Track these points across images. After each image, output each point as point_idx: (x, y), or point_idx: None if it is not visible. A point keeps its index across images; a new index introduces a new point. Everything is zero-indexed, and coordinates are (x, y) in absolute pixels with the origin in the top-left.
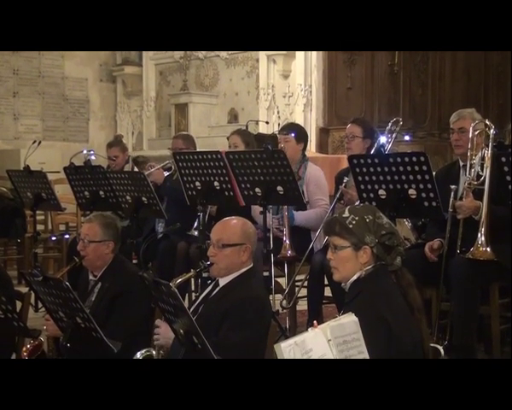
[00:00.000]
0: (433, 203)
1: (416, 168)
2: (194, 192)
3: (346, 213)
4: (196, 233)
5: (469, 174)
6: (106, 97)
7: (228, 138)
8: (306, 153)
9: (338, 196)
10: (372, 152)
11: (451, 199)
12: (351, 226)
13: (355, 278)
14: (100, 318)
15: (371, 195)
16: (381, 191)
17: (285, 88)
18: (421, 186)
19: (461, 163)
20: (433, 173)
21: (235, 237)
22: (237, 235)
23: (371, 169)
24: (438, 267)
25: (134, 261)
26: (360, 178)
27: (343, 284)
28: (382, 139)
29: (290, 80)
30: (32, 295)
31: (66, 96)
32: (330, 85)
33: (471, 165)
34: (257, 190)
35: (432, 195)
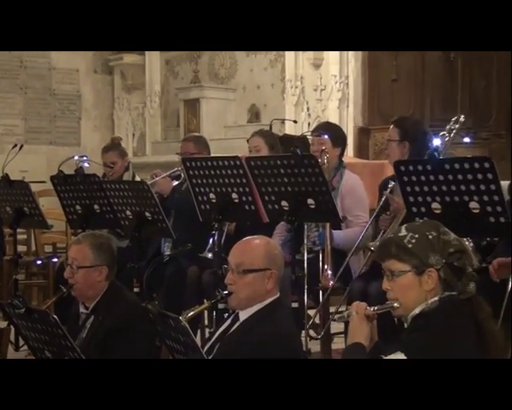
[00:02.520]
0: (501, 219)
1: (479, 176)
2: (207, 206)
3: (403, 232)
4: (210, 256)
5: None
6: (101, 92)
7: (248, 141)
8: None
9: (381, 204)
10: (423, 157)
11: None
12: (410, 246)
13: (417, 311)
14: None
15: (422, 209)
16: (434, 205)
17: (316, 80)
18: (486, 198)
19: None
20: (501, 183)
21: (258, 261)
22: (261, 258)
23: (422, 178)
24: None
25: (136, 290)
26: (409, 188)
27: (402, 318)
28: (436, 141)
29: (322, 70)
30: (12, 330)
31: (53, 91)
32: (371, 76)
33: None
34: (283, 203)
35: (499, 208)
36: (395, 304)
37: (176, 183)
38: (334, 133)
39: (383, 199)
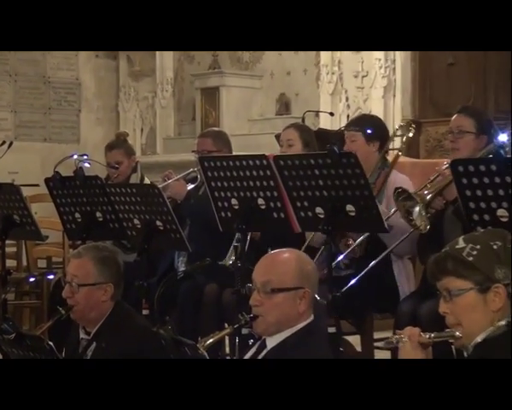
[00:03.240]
0: None
1: None
2: (229, 213)
3: (461, 243)
4: (231, 263)
5: None
6: (104, 80)
7: (277, 137)
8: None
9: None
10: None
11: None
12: (471, 259)
13: (480, 339)
14: None
15: (486, 217)
16: (500, 211)
17: (357, 65)
18: None
19: None
20: None
21: (288, 279)
22: (292, 275)
23: (486, 180)
24: None
25: (145, 312)
26: (469, 192)
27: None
28: (502, 137)
29: (364, 53)
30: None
31: (47, 79)
32: (423, 60)
33: None
34: (318, 210)
35: None
36: (457, 333)
37: (191, 186)
38: (370, 126)
39: (436, 175)
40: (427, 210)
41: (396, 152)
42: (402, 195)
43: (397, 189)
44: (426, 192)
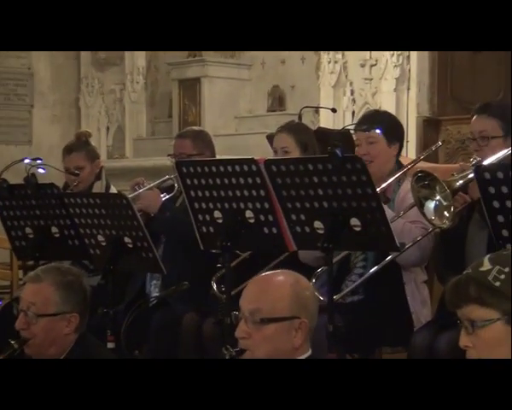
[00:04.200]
0: None
1: None
2: (211, 228)
3: (487, 265)
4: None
5: None
6: (62, 69)
7: (269, 137)
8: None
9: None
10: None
11: None
12: (498, 284)
13: None
14: None
15: None
16: None
17: (364, 52)
18: None
19: None
20: None
21: (281, 307)
22: (286, 302)
23: None
24: None
25: (110, 345)
26: (497, 204)
27: None
28: None
29: None
30: None
31: None
32: None
33: None
34: (317, 224)
35: None
36: None
37: (167, 197)
38: (389, 125)
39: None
40: (452, 202)
41: (417, 157)
42: (423, 180)
43: (417, 172)
44: (454, 179)
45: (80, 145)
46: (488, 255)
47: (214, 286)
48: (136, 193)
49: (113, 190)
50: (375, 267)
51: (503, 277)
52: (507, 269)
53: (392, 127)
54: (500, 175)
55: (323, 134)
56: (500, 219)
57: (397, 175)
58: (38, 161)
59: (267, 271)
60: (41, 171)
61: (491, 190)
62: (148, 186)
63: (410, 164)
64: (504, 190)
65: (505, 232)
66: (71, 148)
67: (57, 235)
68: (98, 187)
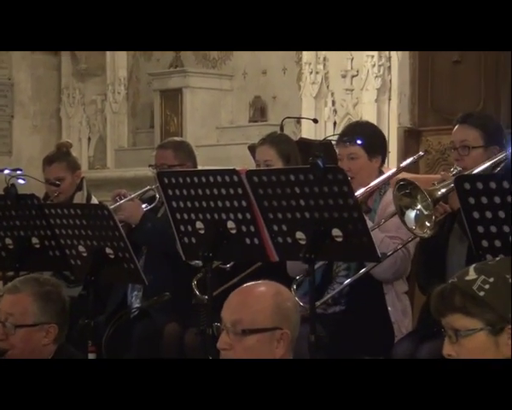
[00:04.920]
0: None
1: None
2: (193, 239)
3: (472, 274)
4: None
5: None
6: (43, 80)
7: (250, 148)
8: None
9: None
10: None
11: None
12: (482, 294)
13: None
14: None
15: (497, 243)
16: None
17: (345, 63)
18: None
19: None
20: None
21: (263, 318)
22: (267, 313)
23: (497, 200)
24: None
25: (91, 357)
26: (477, 214)
27: None
28: None
29: None
30: None
31: None
32: (424, 58)
33: None
34: (298, 235)
35: None
36: None
37: (148, 207)
38: (371, 138)
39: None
40: (433, 212)
41: (398, 166)
42: (405, 188)
43: (399, 181)
44: (435, 188)
45: (61, 156)
46: (474, 265)
47: (196, 290)
48: (118, 204)
49: (95, 200)
50: (349, 280)
51: (487, 287)
52: (492, 279)
53: (373, 140)
54: (480, 186)
55: (305, 145)
56: (480, 229)
57: (376, 181)
58: (18, 172)
59: (244, 277)
60: (21, 181)
61: (471, 200)
62: (130, 197)
63: (392, 174)
64: (484, 200)
65: (485, 243)
66: (51, 158)
67: (38, 246)
68: (79, 198)
